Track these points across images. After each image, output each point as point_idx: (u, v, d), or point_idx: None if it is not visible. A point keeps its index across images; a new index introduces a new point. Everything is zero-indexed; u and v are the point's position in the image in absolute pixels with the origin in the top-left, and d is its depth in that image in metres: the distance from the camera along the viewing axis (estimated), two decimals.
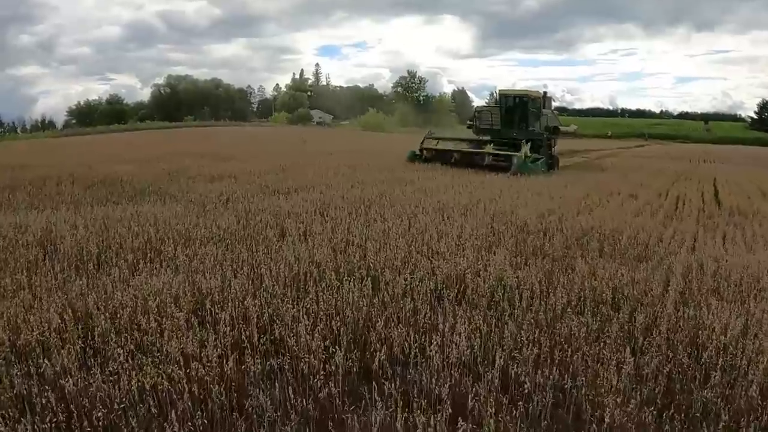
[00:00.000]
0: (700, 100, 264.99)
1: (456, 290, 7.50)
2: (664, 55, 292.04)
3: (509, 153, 26.95)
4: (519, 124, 29.71)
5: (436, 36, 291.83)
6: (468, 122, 34.82)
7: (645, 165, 37.02)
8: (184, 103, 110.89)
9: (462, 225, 11.94)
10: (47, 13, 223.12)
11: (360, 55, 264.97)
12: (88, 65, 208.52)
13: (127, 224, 10.68)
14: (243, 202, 14.38)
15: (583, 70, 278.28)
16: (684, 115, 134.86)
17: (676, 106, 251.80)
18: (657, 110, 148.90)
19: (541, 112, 30.58)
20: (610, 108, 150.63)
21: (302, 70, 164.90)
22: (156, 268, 7.97)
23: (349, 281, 7.15)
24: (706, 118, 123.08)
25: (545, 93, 32.83)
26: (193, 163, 24.67)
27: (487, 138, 30.22)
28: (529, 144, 27.13)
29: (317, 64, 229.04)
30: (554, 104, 37.58)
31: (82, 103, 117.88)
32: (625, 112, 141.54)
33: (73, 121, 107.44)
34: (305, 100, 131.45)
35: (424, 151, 30.33)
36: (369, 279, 7.39)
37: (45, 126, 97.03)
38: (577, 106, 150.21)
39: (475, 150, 29.15)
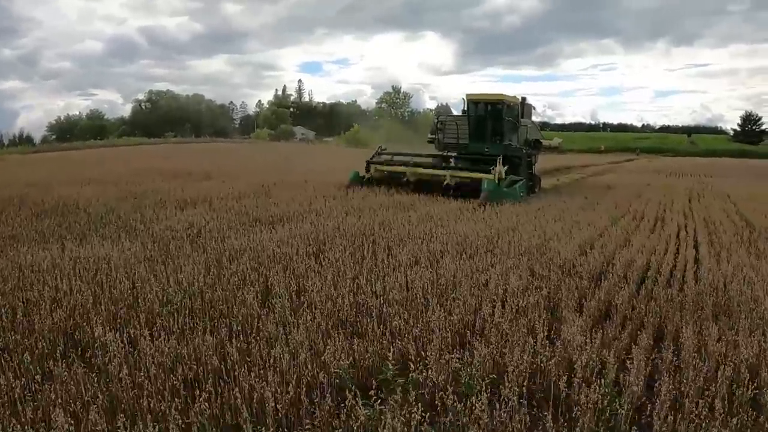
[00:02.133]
0: (680, 113, 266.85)
1: (551, 401, 4.74)
2: (643, 69, 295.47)
3: (477, 175, 20.99)
4: (492, 138, 24.18)
5: (418, 52, 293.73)
6: (429, 136, 27.99)
7: (650, 181, 35.22)
8: (165, 119, 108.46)
9: (500, 271, 9.23)
10: (30, 26, 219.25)
11: (342, 72, 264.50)
12: (71, 80, 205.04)
13: (57, 279, 7.85)
14: (217, 237, 11.60)
15: (564, 85, 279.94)
16: (665, 129, 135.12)
17: (656, 120, 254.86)
18: (637, 124, 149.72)
19: (520, 123, 25.08)
20: (592, 122, 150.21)
21: (285, 86, 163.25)
22: (64, 378, 5.09)
23: (386, 402, 4.46)
24: (688, 131, 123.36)
25: (524, 99, 26.57)
26: (164, 185, 21.64)
27: (453, 155, 25.04)
28: (504, 164, 20.98)
29: (300, 80, 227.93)
30: (534, 116, 30.06)
31: (62, 118, 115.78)
32: (607, 127, 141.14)
33: (53, 137, 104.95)
34: (287, 117, 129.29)
35: (373, 170, 24.07)
36: (414, 395, 4.63)
37: (22, 141, 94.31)
38: (559, 120, 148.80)
39: (433, 171, 23.04)
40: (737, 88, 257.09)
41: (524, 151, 24.35)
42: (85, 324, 6.31)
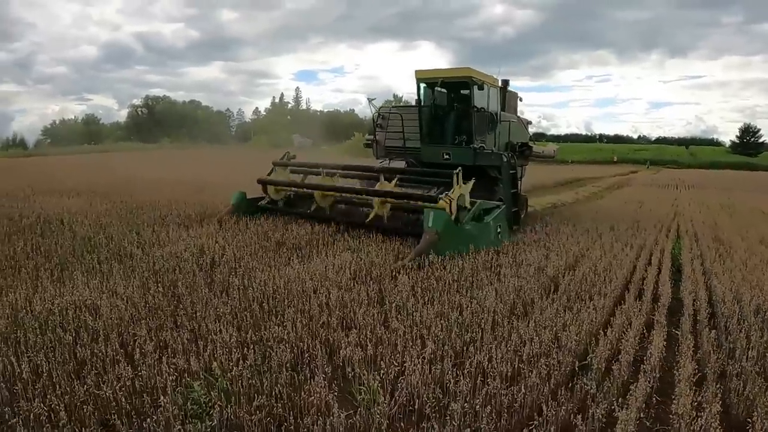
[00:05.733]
0: (673, 125, 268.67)
1: None
2: (637, 80, 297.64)
3: (419, 202, 12.44)
4: (455, 138, 15.36)
5: (413, 62, 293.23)
6: (366, 137, 18.60)
7: (670, 195, 33.04)
8: (161, 125, 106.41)
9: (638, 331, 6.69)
10: (25, 30, 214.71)
11: (337, 81, 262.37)
12: (65, 85, 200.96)
13: (8, 359, 5.15)
14: (238, 269, 8.86)
15: (558, 96, 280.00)
16: (662, 140, 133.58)
17: (650, 131, 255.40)
18: (633, 135, 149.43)
19: (499, 117, 16.16)
20: (587, 133, 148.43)
21: (282, 93, 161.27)
22: None
23: None
24: (684, 142, 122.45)
25: (507, 84, 17.03)
26: (163, 195, 18.80)
27: (400, 166, 16.31)
28: (471, 183, 12.29)
29: (297, 88, 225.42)
30: (520, 110, 19.65)
31: (57, 122, 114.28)
32: (603, 138, 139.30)
33: (48, 141, 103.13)
34: (286, 124, 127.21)
35: (272, 191, 15.29)
36: None
37: (15, 144, 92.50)
38: (554, 131, 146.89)
39: (353, 194, 14.14)
40: (730, 100, 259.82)
41: (505, 159, 15.24)
42: None
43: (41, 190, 20.13)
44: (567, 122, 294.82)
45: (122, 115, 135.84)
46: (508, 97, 17.43)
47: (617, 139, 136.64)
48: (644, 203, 25.75)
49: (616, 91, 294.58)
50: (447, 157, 15.01)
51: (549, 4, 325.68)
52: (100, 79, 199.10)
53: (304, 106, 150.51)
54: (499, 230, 12.59)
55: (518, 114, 18.72)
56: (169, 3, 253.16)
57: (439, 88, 15.71)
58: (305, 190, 14.62)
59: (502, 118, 16.36)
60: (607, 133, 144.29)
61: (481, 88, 14.83)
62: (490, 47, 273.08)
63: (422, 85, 15.54)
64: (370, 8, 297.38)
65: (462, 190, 11.94)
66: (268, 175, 15.71)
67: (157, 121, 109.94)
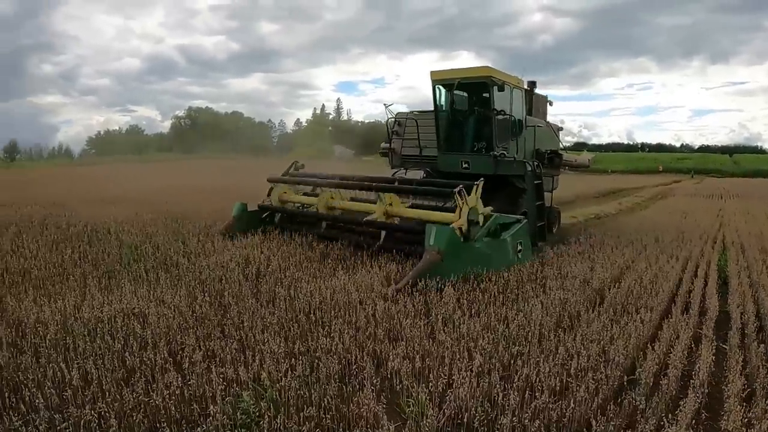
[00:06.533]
0: (717, 132, 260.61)
1: None
2: (679, 88, 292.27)
3: (427, 214, 11.05)
4: (474, 143, 14.19)
5: None
6: (382, 146, 16.50)
7: (722, 206, 31.28)
8: (204, 136, 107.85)
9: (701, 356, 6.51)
10: (68, 43, 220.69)
11: (377, 91, 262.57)
12: (109, 96, 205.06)
13: (58, 365, 5.25)
14: (284, 280, 8.84)
15: (599, 104, 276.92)
16: (705, 149, 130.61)
17: (693, 140, 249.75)
18: (675, 143, 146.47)
19: (525, 122, 14.83)
20: (629, 142, 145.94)
21: (323, 105, 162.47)
22: None
23: None
24: (729, 150, 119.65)
25: (533, 85, 16.06)
26: (207, 206, 19.02)
27: (418, 177, 15.23)
28: (493, 190, 11.98)
29: (338, 99, 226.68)
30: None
31: (102, 133, 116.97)
32: (645, 146, 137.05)
33: (92, 151, 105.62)
34: (327, 135, 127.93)
35: (275, 199, 14.35)
36: None
37: (61, 154, 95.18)
38: (595, 141, 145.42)
39: (359, 207, 12.82)
40: None
41: (529, 168, 14.11)
42: None
43: (87, 199, 20.52)
44: (608, 131, 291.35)
45: (165, 126, 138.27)
46: (535, 101, 16.24)
47: (659, 148, 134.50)
48: (689, 214, 25.05)
49: (657, 99, 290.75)
50: (465, 166, 13.82)
51: (587, 12, 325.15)
52: (144, 91, 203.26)
53: (345, 117, 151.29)
54: (519, 248, 11.10)
55: (548, 119, 17.32)
56: (210, 16, 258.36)
57: (457, 91, 14.59)
58: (310, 198, 13.99)
59: (528, 123, 14.98)
60: (649, 142, 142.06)
61: (501, 89, 13.44)
62: (529, 56, 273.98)
63: (440, 88, 14.31)
64: (410, 19, 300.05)
65: (475, 202, 10.52)
66: (276, 186, 14.59)
67: (199, 132, 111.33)
